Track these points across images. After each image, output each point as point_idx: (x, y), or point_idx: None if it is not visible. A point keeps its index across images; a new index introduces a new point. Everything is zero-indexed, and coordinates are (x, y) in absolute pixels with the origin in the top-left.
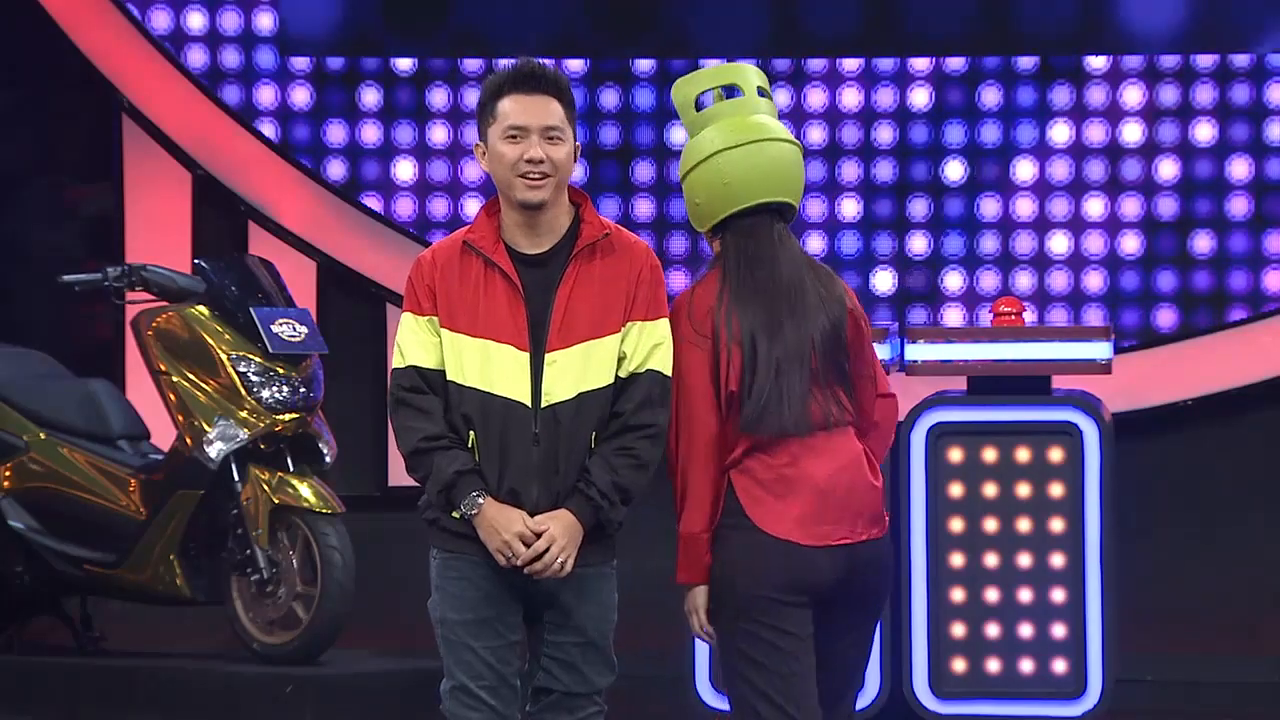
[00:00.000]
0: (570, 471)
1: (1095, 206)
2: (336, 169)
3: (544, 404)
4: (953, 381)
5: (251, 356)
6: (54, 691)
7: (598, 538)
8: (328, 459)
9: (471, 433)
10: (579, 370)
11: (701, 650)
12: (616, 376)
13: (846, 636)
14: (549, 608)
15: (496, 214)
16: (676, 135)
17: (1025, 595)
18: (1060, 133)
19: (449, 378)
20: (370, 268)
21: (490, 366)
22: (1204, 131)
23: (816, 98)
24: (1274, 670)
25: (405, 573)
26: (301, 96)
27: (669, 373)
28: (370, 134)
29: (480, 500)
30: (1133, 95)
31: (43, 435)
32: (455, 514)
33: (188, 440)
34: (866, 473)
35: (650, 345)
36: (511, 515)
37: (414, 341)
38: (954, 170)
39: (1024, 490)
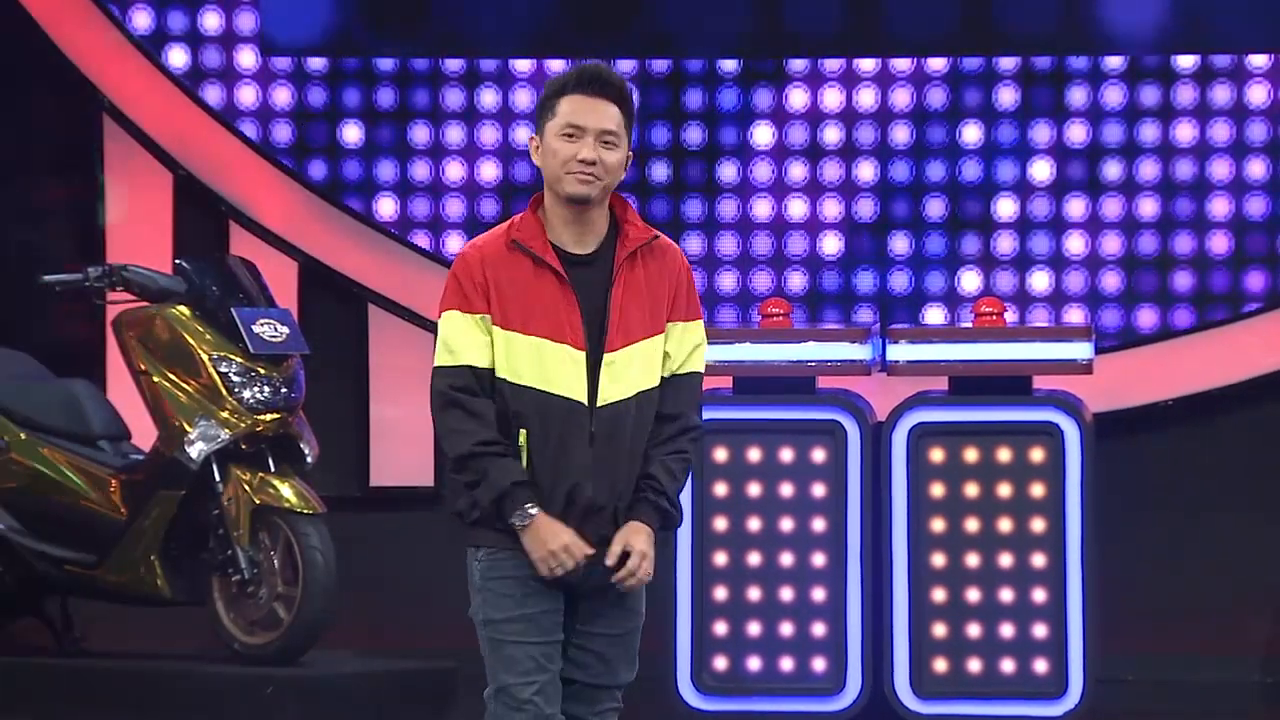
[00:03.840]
0: (629, 469)
1: (1076, 207)
2: (318, 169)
3: (600, 403)
4: (934, 382)
5: (233, 357)
6: (34, 692)
7: None
8: (309, 459)
9: (523, 430)
10: (635, 370)
11: (683, 648)
12: (660, 379)
13: None
14: (588, 603)
15: (539, 213)
16: (658, 136)
17: (1006, 595)
18: (1041, 133)
19: (499, 375)
20: (352, 268)
21: (545, 365)
22: (1185, 132)
23: (798, 98)
24: (1255, 670)
25: (387, 573)
26: (283, 97)
27: (703, 371)
28: (352, 134)
29: (533, 512)
30: (1114, 96)
31: (23, 436)
32: (512, 522)
33: (169, 441)
34: None
35: (691, 346)
36: (558, 527)
37: (466, 340)
38: (935, 171)
39: (1005, 490)
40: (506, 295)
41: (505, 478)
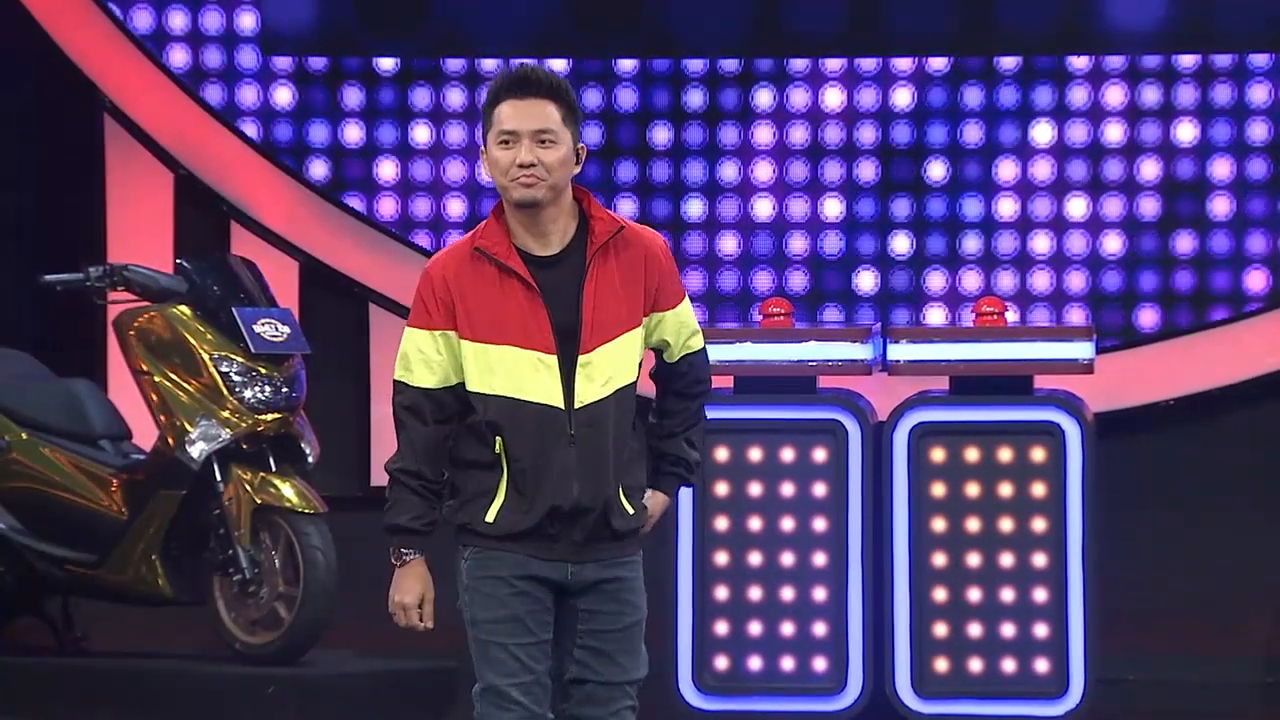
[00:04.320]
0: (614, 465)
1: (1077, 206)
2: (319, 169)
3: (578, 405)
4: (935, 381)
5: (234, 356)
6: (35, 692)
7: (630, 530)
8: (310, 459)
9: (498, 439)
10: (612, 368)
11: (684, 648)
12: (662, 363)
13: None
14: (586, 601)
15: (504, 218)
16: (660, 135)
17: (1007, 595)
18: (1042, 133)
19: (471, 388)
20: (353, 267)
21: (518, 373)
22: (1185, 132)
23: (799, 97)
24: (1256, 670)
25: (388, 573)
26: (284, 96)
27: (704, 344)
28: (352, 134)
29: (408, 558)
30: (1115, 95)
31: (24, 435)
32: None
33: (170, 440)
34: None
35: (690, 329)
36: (416, 586)
37: (419, 359)
38: (936, 170)
39: (1006, 490)
40: (472, 306)
41: (399, 516)
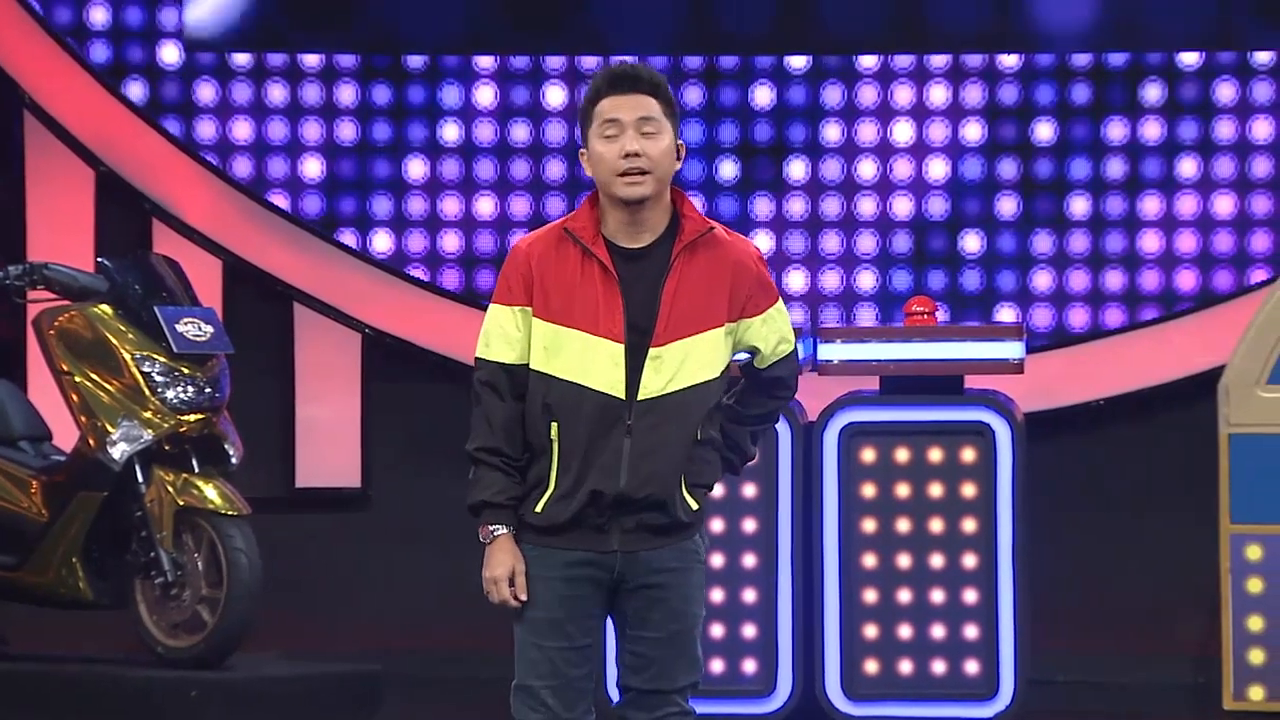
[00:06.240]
0: (677, 460)
1: (1008, 206)
2: (242, 166)
3: (640, 397)
4: (865, 381)
5: (156, 356)
6: None
7: (687, 524)
8: (234, 460)
9: (554, 424)
10: (681, 365)
11: (610, 652)
12: (752, 366)
13: None
14: (634, 603)
15: (599, 205)
16: None
17: (938, 596)
18: (973, 131)
19: (534, 367)
20: (277, 266)
21: (583, 358)
22: (1116, 130)
23: (729, 96)
24: (1186, 670)
25: (312, 575)
26: (207, 93)
27: (795, 346)
28: (277, 131)
29: (497, 533)
30: (1045, 94)
31: None
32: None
33: (91, 441)
34: None
35: (778, 335)
36: (506, 560)
37: (499, 334)
38: (866, 169)
39: (936, 490)
40: (550, 287)
41: (483, 492)
